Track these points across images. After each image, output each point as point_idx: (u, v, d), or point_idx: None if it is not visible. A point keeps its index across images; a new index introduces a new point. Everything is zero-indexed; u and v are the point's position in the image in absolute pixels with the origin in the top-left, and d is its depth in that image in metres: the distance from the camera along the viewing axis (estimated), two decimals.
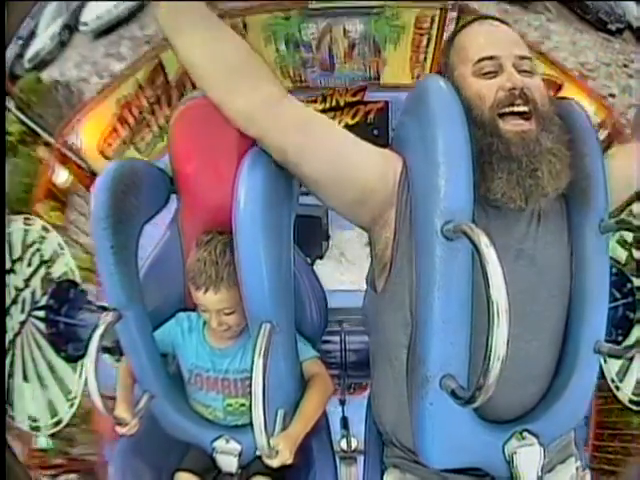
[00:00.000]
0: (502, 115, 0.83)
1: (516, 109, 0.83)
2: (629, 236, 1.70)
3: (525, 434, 0.87)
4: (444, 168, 0.78)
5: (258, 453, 0.90)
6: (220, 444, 1.06)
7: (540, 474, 0.87)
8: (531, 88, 0.84)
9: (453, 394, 0.74)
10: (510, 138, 0.82)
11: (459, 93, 0.85)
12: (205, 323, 1.06)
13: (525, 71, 0.85)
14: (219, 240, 1.00)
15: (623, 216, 1.02)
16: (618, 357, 1.50)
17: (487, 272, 0.63)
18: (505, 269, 0.63)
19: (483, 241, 0.65)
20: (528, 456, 0.87)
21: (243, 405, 1.06)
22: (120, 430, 0.96)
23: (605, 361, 1.70)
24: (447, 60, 0.93)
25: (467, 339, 0.79)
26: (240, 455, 1.05)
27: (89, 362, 0.90)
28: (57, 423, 1.71)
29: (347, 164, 0.86)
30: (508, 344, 0.62)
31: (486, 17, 0.94)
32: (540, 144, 0.82)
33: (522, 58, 0.86)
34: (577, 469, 0.97)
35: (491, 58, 0.85)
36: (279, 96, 0.87)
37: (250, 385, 0.79)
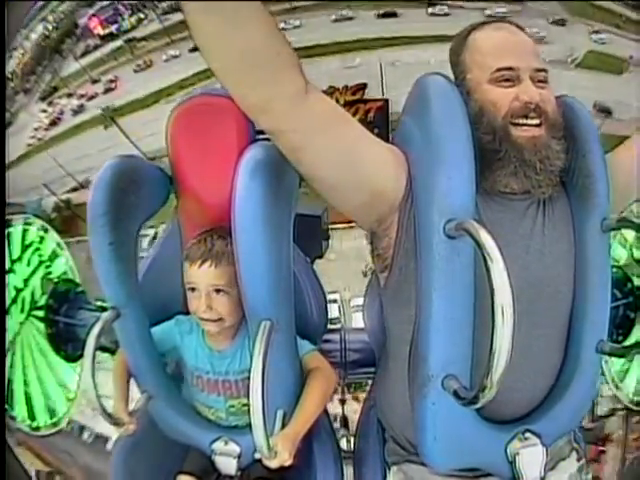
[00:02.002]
0: (514, 124, 0.85)
1: (529, 122, 0.84)
2: (630, 235, 1.70)
3: (527, 434, 0.87)
4: (446, 166, 0.78)
5: (257, 456, 0.89)
6: (219, 446, 1.05)
7: (543, 474, 0.87)
8: (545, 101, 0.85)
9: (456, 394, 0.73)
10: (522, 144, 0.84)
11: (469, 96, 0.87)
12: None
13: (540, 81, 0.87)
14: (219, 230, 1.01)
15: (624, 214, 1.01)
16: (620, 356, 1.50)
17: (491, 271, 0.63)
18: (512, 264, 0.63)
19: (486, 239, 0.65)
20: (531, 456, 0.87)
21: (245, 405, 1.05)
22: (117, 430, 0.95)
23: (606, 361, 1.70)
24: (459, 58, 0.93)
25: (470, 338, 0.79)
26: (239, 457, 1.04)
27: (86, 360, 0.89)
28: (56, 423, 1.71)
29: (364, 166, 0.84)
30: (513, 344, 0.62)
31: (502, 21, 0.94)
32: (551, 149, 0.85)
33: (538, 70, 0.87)
34: (582, 466, 0.97)
35: (510, 69, 0.86)
36: (301, 91, 0.77)
37: None
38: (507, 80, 0.86)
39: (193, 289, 0.99)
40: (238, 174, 0.90)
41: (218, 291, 0.98)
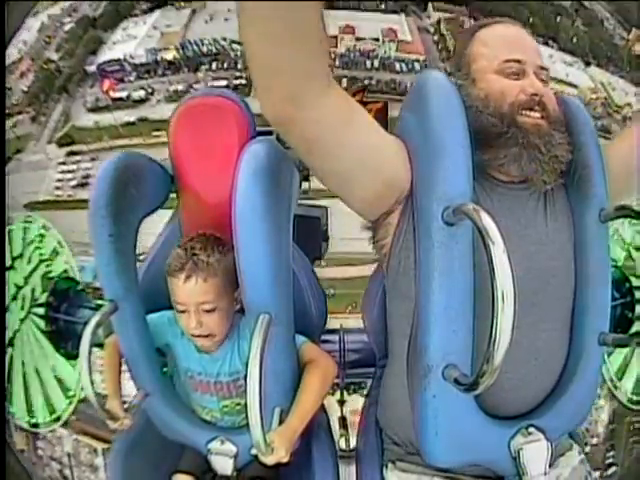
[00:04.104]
0: (520, 114, 0.87)
1: (532, 114, 0.87)
2: (627, 235, 1.71)
3: (531, 429, 0.86)
4: (443, 154, 0.79)
5: (254, 452, 0.87)
6: (215, 445, 1.04)
7: (548, 470, 0.86)
8: (546, 97, 0.88)
9: (456, 382, 0.73)
10: (528, 129, 0.86)
11: (473, 84, 0.90)
12: None
13: (542, 80, 0.90)
14: (199, 238, 0.99)
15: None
16: (623, 346, 1.50)
17: (491, 253, 0.62)
18: (513, 253, 0.62)
19: (486, 221, 0.64)
20: (535, 452, 0.85)
21: (239, 405, 1.05)
22: (112, 425, 0.95)
23: (604, 361, 1.70)
24: (464, 51, 0.95)
25: (470, 327, 0.78)
26: (236, 457, 1.03)
27: (82, 354, 0.89)
28: (56, 420, 1.71)
29: (378, 155, 0.84)
30: (513, 330, 0.61)
31: (511, 21, 0.97)
32: (554, 138, 0.87)
33: (542, 68, 0.90)
34: (582, 462, 0.97)
35: (518, 61, 0.89)
36: (329, 81, 0.74)
37: (243, 386, 0.78)
38: (514, 74, 0.88)
39: (183, 310, 0.97)
40: (238, 170, 0.91)
41: (208, 310, 0.96)
